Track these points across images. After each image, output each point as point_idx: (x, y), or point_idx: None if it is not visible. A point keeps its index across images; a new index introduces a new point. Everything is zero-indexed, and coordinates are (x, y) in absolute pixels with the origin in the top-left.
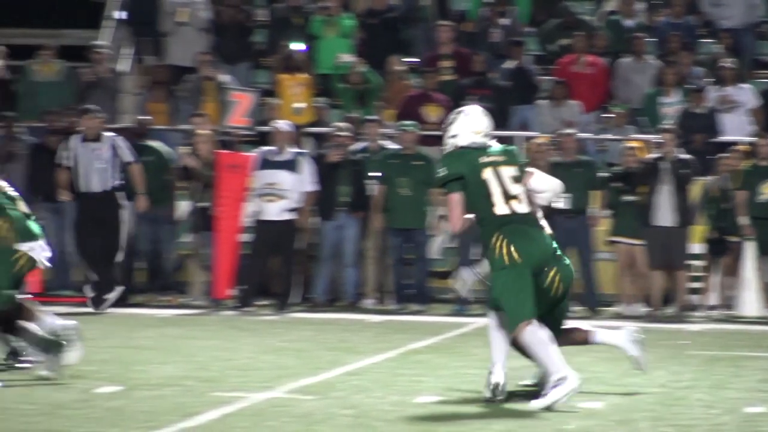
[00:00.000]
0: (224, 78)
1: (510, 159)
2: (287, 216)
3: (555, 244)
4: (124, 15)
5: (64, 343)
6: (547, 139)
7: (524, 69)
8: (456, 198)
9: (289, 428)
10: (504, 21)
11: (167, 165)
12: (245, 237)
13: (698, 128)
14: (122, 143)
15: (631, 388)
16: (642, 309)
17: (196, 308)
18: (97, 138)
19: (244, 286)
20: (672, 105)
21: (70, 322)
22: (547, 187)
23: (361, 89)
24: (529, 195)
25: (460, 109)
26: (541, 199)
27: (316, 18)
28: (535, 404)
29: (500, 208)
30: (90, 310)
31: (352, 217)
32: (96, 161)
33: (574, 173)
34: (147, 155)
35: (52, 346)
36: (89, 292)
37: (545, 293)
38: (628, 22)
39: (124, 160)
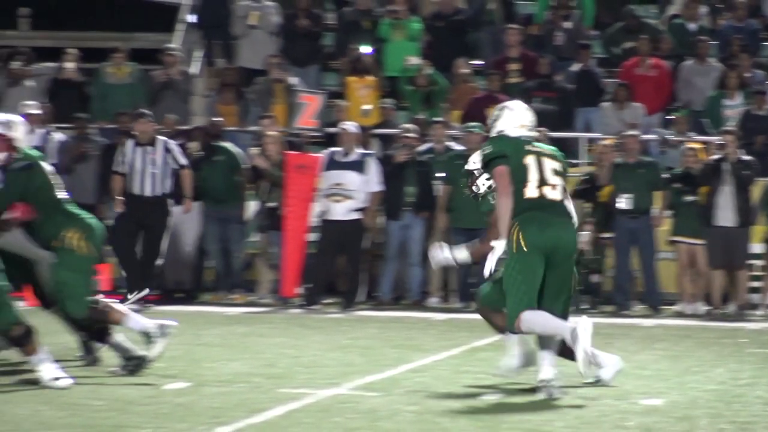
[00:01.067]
0: (293, 80)
1: (555, 155)
2: (353, 216)
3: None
4: (195, 18)
5: (147, 357)
6: (613, 141)
7: (590, 71)
8: (502, 170)
9: (353, 424)
10: (567, 24)
11: (238, 165)
12: (312, 236)
13: (760, 130)
14: (175, 147)
15: (691, 386)
16: (702, 307)
17: (263, 306)
18: (150, 142)
19: (311, 285)
20: (734, 107)
21: (166, 322)
22: None
23: (427, 91)
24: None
25: (503, 105)
26: None
27: (384, 21)
28: (579, 365)
29: (531, 191)
30: (159, 308)
31: (418, 217)
32: (149, 166)
33: (637, 174)
34: (219, 155)
35: (134, 357)
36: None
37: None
38: (691, 26)
39: (177, 164)
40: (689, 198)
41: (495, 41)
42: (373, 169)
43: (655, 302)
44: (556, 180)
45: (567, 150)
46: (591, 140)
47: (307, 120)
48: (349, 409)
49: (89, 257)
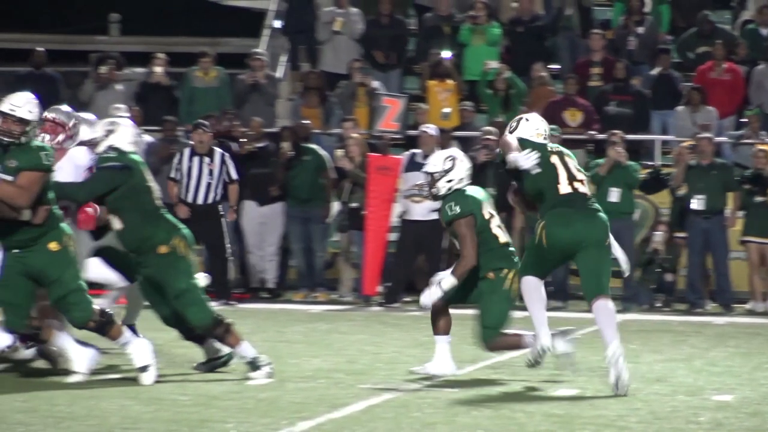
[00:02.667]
0: (375, 84)
1: (572, 156)
2: (432, 216)
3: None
4: (281, 24)
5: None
6: (690, 143)
7: (669, 76)
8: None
9: (432, 419)
10: (640, 30)
11: (323, 166)
12: (393, 236)
13: None
14: (230, 161)
15: (762, 382)
16: None
17: (345, 304)
18: (208, 153)
19: (391, 283)
20: None
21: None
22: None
23: (505, 95)
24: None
25: (519, 116)
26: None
27: (464, 27)
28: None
29: (564, 187)
30: (243, 306)
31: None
32: (206, 175)
33: (711, 176)
34: (306, 156)
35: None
36: None
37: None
38: (764, 31)
39: (229, 177)
40: (760, 199)
41: (572, 46)
42: None
43: (727, 300)
44: (582, 176)
45: (642, 152)
46: (665, 142)
47: (388, 123)
48: (427, 404)
49: (194, 265)
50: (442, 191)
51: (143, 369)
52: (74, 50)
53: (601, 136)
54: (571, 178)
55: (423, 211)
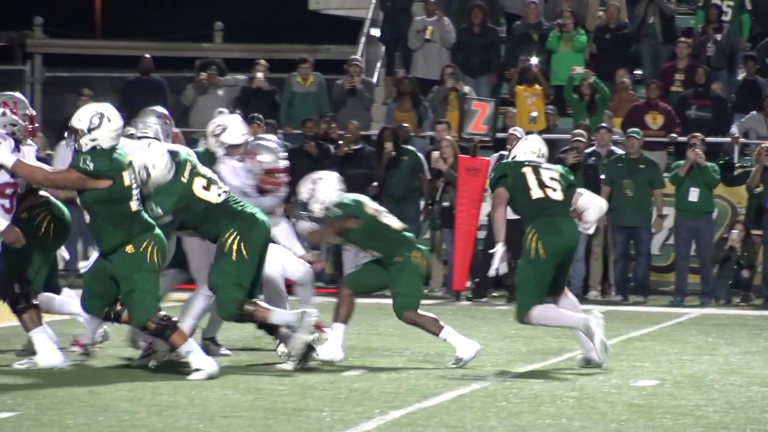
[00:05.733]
0: (466, 89)
1: (555, 168)
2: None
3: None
4: (377, 32)
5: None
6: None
7: (754, 81)
8: (499, 191)
9: (517, 409)
10: (718, 36)
11: (420, 167)
12: (481, 234)
13: None
14: None
15: None
16: None
17: (435, 299)
18: None
19: (479, 279)
20: None
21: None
22: (592, 205)
23: (591, 99)
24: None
25: (525, 137)
26: (587, 216)
27: (552, 34)
28: (597, 354)
29: (536, 192)
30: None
31: None
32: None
33: None
34: (404, 156)
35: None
36: None
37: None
38: None
39: None
40: None
41: (654, 53)
42: None
43: None
44: (555, 184)
45: (722, 155)
46: (745, 145)
47: (478, 126)
48: (513, 394)
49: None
50: (318, 213)
51: (197, 370)
52: (180, 57)
53: (682, 139)
54: (542, 185)
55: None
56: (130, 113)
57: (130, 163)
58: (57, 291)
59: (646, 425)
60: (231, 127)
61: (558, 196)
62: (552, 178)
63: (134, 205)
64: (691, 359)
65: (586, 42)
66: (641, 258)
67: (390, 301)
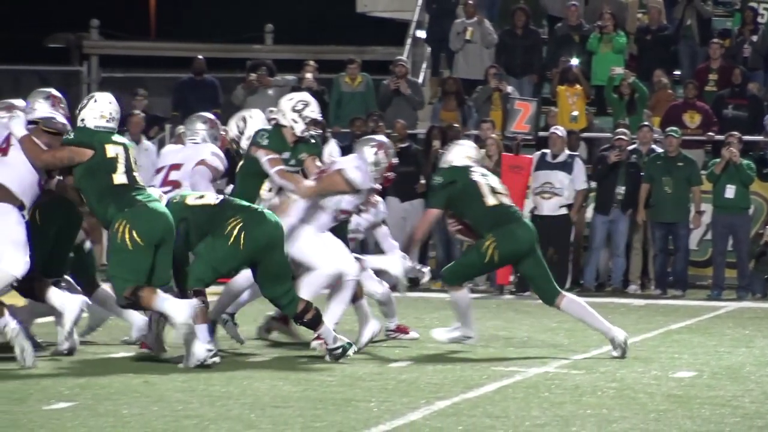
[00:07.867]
0: (509, 89)
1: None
2: (561, 211)
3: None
4: (423, 34)
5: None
6: None
7: None
8: (434, 213)
9: (559, 399)
10: (754, 38)
11: None
12: None
13: None
14: None
15: None
16: None
17: (480, 293)
18: None
19: (520, 274)
20: None
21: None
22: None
23: (630, 98)
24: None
25: (457, 141)
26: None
27: (593, 36)
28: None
29: (490, 200)
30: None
31: (623, 213)
32: None
33: None
34: None
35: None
36: None
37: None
38: None
39: None
40: None
41: (691, 53)
42: (579, 169)
43: None
44: (503, 189)
45: (758, 150)
46: None
47: (520, 125)
48: (555, 385)
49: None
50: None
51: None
52: (231, 58)
53: (719, 138)
54: (494, 191)
55: (552, 206)
56: (183, 112)
57: (124, 144)
58: (95, 286)
59: (684, 415)
60: (312, 102)
61: (509, 201)
62: (500, 183)
63: (117, 178)
64: (728, 351)
65: (625, 43)
66: (680, 253)
67: (436, 295)
